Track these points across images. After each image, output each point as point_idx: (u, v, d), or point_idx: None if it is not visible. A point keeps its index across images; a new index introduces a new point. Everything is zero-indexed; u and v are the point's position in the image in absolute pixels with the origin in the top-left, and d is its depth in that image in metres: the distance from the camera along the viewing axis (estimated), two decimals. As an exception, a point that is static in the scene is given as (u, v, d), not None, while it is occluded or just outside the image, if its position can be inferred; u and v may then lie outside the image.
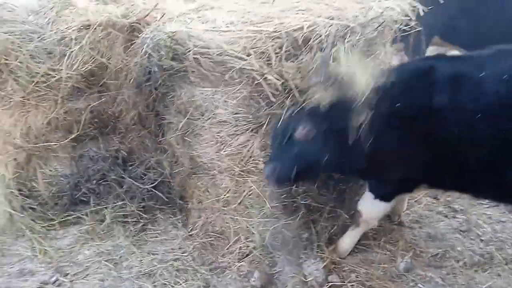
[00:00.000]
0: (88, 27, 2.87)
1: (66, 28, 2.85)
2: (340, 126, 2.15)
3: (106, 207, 3.07)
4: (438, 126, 2.06)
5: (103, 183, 3.15)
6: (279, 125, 2.29)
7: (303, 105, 2.26)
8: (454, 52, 5.29)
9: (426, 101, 2.04)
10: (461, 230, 2.92)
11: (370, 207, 2.54)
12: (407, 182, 2.41)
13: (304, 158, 2.24)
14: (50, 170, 3.10)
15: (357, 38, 2.30)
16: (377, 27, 2.39)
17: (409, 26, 2.64)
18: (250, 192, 2.66)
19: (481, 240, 2.82)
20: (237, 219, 2.73)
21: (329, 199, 2.82)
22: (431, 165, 2.19)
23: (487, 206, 3.14)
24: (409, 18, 2.57)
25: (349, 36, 2.30)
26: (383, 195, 2.50)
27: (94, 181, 3.15)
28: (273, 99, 2.35)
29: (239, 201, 2.68)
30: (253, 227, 2.72)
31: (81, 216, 3.06)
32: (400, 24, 2.59)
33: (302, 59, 2.34)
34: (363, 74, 2.07)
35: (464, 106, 1.99)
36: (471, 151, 2.06)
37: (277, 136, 2.30)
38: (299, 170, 2.23)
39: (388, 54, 2.67)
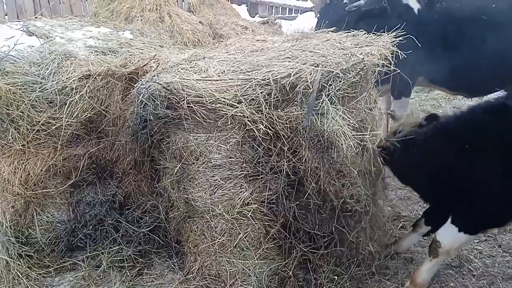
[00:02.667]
0: (88, 77, 3.01)
1: (67, 78, 2.99)
2: None
3: (102, 252, 3.10)
4: None
5: (99, 228, 3.19)
6: None
7: None
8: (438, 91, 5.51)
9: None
10: (453, 266, 2.95)
11: (452, 240, 2.50)
12: (497, 211, 2.38)
13: None
14: (47, 217, 3.13)
15: (340, 83, 2.43)
16: (359, 72, 2.52)
17: (390, 69, 2.79)
18: (245, 235, 2.70)
19: (473, 275, 2.85)
20: (233, 261, 2.75)
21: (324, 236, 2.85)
22: None
23: (477, 241, 3.19)
24: (388, 62, 2.72)
25: (333, 82, 2.43)
26: (469, 228, 2.46)
27: (91, 226, 3.18)
28: (263, 144, 2.45)
29: (234, 244, 2.71)
30: (249, 269, 2.75)
31: (78, 262, 3.08)
32: (382, 68, 2.73)
33: (290, 105, 2.46)
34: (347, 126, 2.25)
35: None
36: None
37: None
38: None
39: (372, 96, 2.80)
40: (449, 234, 2.50)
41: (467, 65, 3.97)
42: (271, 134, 2.46)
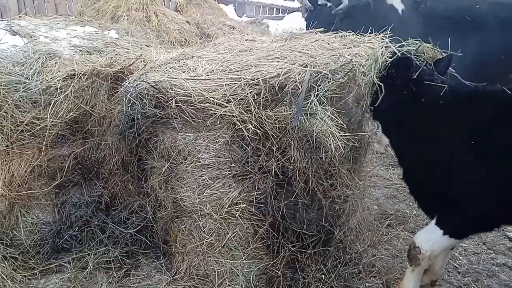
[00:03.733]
0: (73, 76, 2.97)
1: (51, 78, 2.95)
2: None
3: (88, 254, 3.05)
4: None
5: (85, 229, 3.15)
6: None
7: None
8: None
9: None
10: (439, 263, 3.00)
11: (434, 243, 2.28)
12: (485, 215, 2.16)
13: None
14: (32, 218, 3.08)
15: (329, 84, 2.45)
16: (347, 73, 2.55)
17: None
18: (234, 234, 2.70)
19: (458, 272, 2.90)
20: (221, 261, 2.75)
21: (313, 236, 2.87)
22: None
23: (463, 238, 3.26)
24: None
25: (322, 82, 2.44)
26: (455, 231, 2.24)
27: (77, 228, 3.13)
28: (252, 144, 2.46)
29: (222, 244, 2.71)
30: (237, 269, 2.75)
31: (63, 263, 3.03)
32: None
33: (279, 105, 2.47)
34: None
35: None
36: None
37: None
38: None
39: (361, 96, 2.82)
40: (430, 238, 2.30)
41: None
42: (260, 134, 2.47)
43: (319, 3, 4.59)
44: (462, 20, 4.00)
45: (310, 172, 2.45)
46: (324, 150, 2.35)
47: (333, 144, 2.26)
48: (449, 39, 2.46)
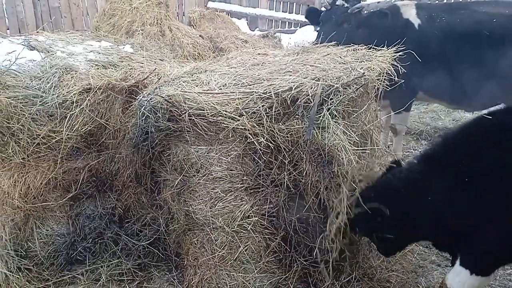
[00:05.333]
0: (88, 90, 3.03)
1: (67, 92, 3.00)
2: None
3: (101, 266, 3.07)
4: None
5: (99, 241, 3.17)
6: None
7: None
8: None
9: None
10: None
11: (464, 284, 2.12)
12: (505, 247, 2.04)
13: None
14: (47, 230, 3.12)
15: (341, 97, 2.45)
16: (360, 87, 2.55)
17: (391, 84, 2.82)
18: (246, 248, 2.69)
19: (475, 289, 2.83)
20: (233, 275, 2.74)
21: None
22: None
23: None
24: (390, 77, 2.75)
25: (334, 96, 2.45)
26: (482, 269, 2.11)
27: (90, 240, 3.16)
28: (264, 157, 2.46)
29: (235, 257, 2.70)
30: (249, 283, 2.73)
31: (77, 275, 3.04)
32: (382, 83, 2.76)
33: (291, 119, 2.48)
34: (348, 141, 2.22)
35: None
36: None
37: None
38: None
39: (373, 111, 2.82)
40: (460, 281, 2.14)
41: (467, 79, 4.01)
42: (272, 147, 2.47)
43: (337, 3, 4.57)
44: (479, 34, 3.97)
45: (322, 185, 2.44)
46: (336, 164, 2.34)
47: (346, 158, 2.25)
48: None
